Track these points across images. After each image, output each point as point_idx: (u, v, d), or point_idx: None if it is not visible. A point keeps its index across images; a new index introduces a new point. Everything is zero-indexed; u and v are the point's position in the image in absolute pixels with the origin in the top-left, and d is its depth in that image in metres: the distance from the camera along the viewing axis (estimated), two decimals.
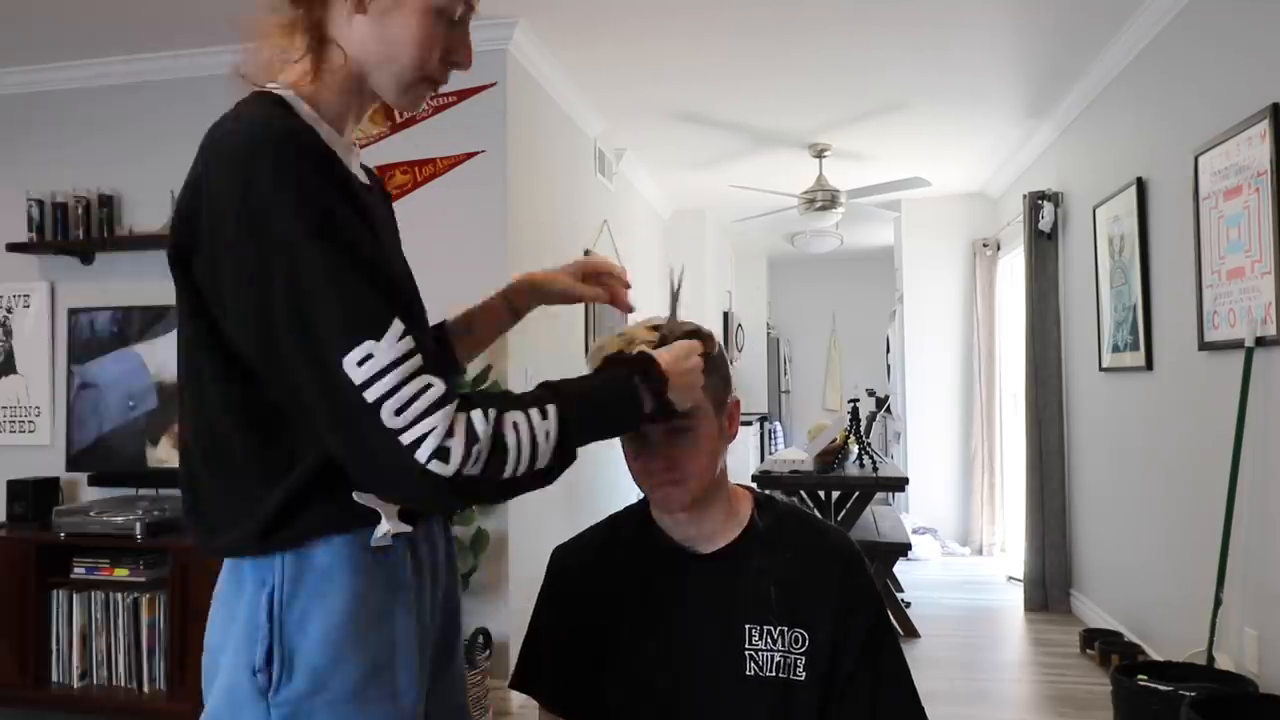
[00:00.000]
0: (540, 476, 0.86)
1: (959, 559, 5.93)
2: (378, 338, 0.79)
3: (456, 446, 0.79)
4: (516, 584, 3.25)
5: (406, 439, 0.78)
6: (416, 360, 0.81)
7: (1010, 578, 5.18)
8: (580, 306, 4.29)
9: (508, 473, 0.82)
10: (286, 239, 0.80)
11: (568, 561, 1.28)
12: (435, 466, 0.78)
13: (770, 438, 8.58)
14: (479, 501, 0.90)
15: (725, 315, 7.69)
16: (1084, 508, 4.36)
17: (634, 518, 1.27)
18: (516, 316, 1.23)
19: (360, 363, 0.79)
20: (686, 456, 1.12)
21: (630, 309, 1.22)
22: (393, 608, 0.90)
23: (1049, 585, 4.50)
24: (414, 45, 0.92)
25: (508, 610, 3.21)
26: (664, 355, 1.00)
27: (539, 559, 1.31)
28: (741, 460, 6.69)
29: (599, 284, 1.20)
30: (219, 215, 0.83)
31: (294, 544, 0.86)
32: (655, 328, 1.14)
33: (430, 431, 0.79)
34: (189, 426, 0.92)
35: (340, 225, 0.83)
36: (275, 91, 0.92)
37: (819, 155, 5.07)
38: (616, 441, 1.11)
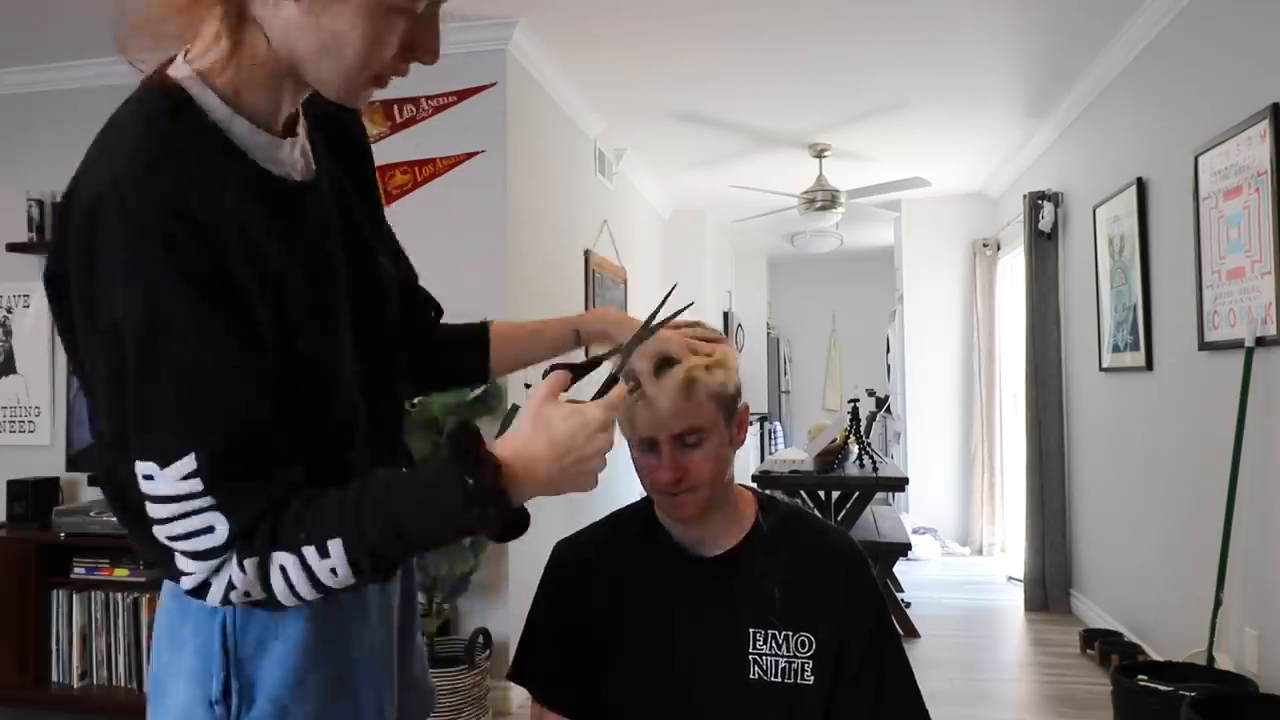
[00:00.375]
0: (348, 588, 0.77)
1: (959, 559, 5.93)
2: (161, 466, 0.72)
3: (216, 589, 0.75)
4: (516, 584, 3.24)
5: (175, 559, 0.75)
6: (199, 501, 0.72)
7: (1010, 578, 5.17)
8: (580, 310, 4.29)
9: (284, 603, 0.76)
10: (113, 317, 0.71)
11: (569, 556, 1.27)
12: (197, 595, 0.76)
13: (770, 438, 8.58)
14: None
15: (725, 315, 7.69)
16: (1084, 508, 4.36)
17: (637, 517, 1.26)
18: (579, 346, 1.15)
19: (146, 477, 0.73)
20: (695, 466, 1.11)
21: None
22: (351, 621, 0.87)
23: (1049, 585, 4.50)
24: (360, 44, 0.77)
25: (508, 610, 3.21)
26: (534, 450, 0.78)
27: (539, 559, 1.30)
28: (741, 460, 6.68)
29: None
30: (70, 258, 0.75)
31: None
32: (707, 339, 1.10)
33: (192, 573, 0.74)
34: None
35: (176, 318, 0.71)
36: (176, 79, 0.78)
37: (819, 155, 5.07)
38: (622, 442, 1.09)
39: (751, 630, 1.15)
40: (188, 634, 0.83)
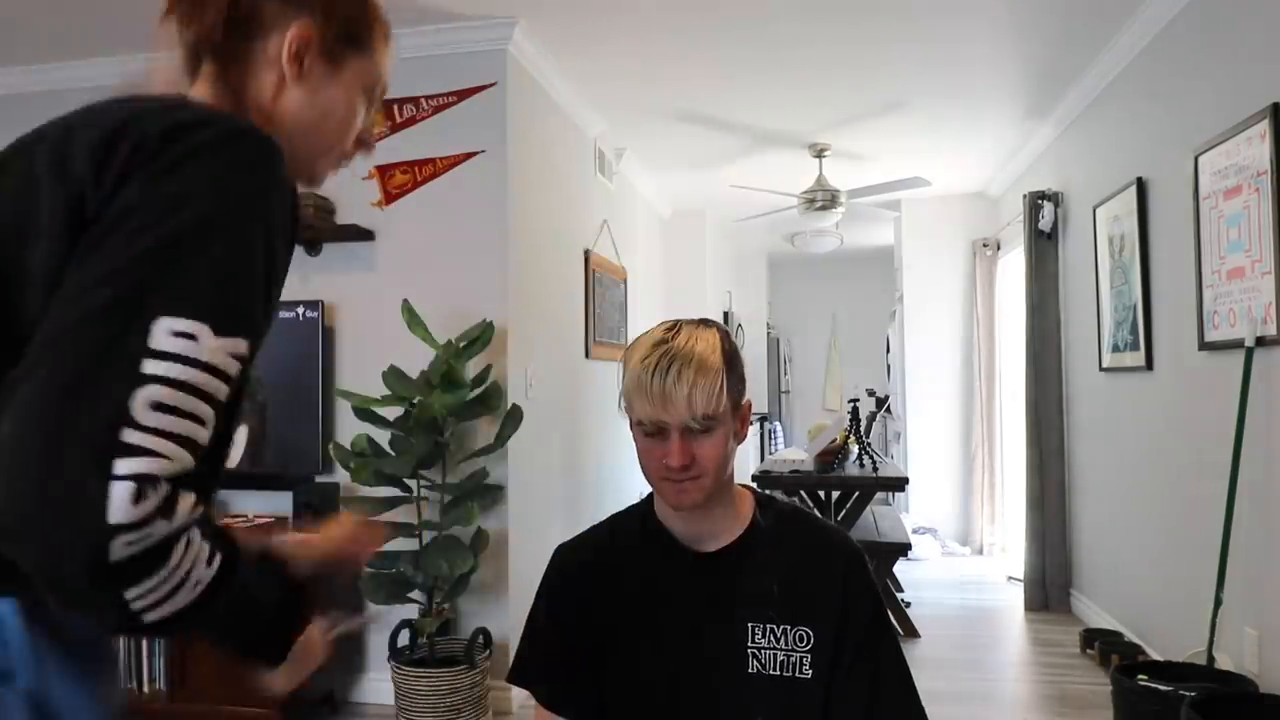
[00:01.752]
0: (181, 612, 0.66)
1: (959, 559, 5.93)
2: (216, 333, 0.65)
3: (152, 499, 0.61)
4: (516, 584, 3.24)
5: (127, 438, 0.60)
6: (223, 390, 0.66)
7: (1010, 578, 5.17)
8: (580, 309, 4.31)
9: (150, 583, 0.63)
10: (187, 190, 0.70)
11: (569, 558, 1.29)
12: (119, 492, 0.60)
13: (770, 438, 8.58)
14: (91, 602, 0.64)
15: (725, 315, 7.69)
16: (1084, 508, 4.36)
17: (636, 517, 1.27)
18: None
19: (177, 334, 0.63)
20: (704, 453, 1.13)
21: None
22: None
23: (1049, 585, 4.50)
24: (343, 121, 0.90)
25: (508, 610, 3.21)
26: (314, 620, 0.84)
27: (539, 559, 1.31)
28: (741, 460, 6.68)
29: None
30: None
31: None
32: (672, 328, 1.16)
33: (156, 456, 0.61)
34: None
35: (236, 236, 0.71)
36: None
37: (819, 155, 5.07)
38: (620, 440, 1.11)
39: (750, 624, 1.17)
40: None
